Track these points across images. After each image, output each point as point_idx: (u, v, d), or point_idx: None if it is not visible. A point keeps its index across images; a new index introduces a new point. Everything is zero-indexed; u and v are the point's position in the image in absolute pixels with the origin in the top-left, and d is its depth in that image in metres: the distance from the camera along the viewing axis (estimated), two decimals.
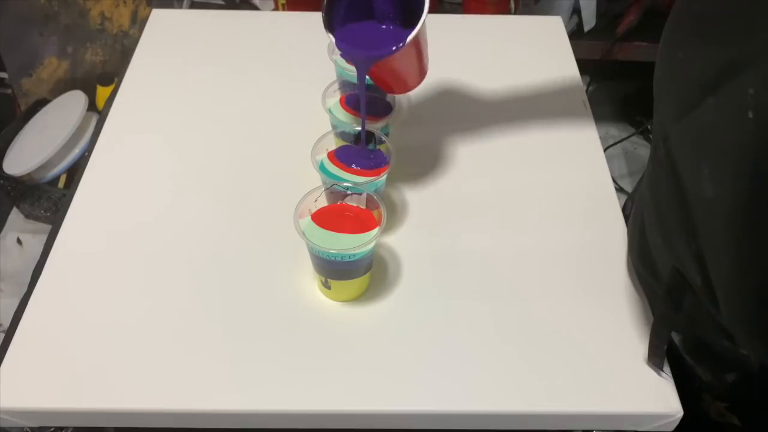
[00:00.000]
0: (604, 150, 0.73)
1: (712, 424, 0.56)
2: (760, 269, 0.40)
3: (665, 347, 0.52)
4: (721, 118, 0.40)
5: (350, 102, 0.66)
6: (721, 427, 0.56)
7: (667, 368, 0.54)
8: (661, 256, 0.53)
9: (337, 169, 0.60)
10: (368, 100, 0.66)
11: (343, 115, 0.65)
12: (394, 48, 0.54)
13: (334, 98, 0.67)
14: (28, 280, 0.61)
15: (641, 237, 0.57)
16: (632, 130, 1.66)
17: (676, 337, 0.55)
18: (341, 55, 0.63)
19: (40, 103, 1.49)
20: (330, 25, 0.56)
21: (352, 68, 0.68)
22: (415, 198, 0.67)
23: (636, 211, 0.61)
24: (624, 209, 0.68)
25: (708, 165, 0.41)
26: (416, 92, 0.78)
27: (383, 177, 0.60)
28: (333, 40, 0.56)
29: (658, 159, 0.50)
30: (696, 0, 0.43)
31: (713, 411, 0.55)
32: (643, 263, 0.58)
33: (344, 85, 0.68)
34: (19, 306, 0.59)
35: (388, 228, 0.64)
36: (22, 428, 0.54)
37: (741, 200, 0.39)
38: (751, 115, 0.36)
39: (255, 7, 1.50)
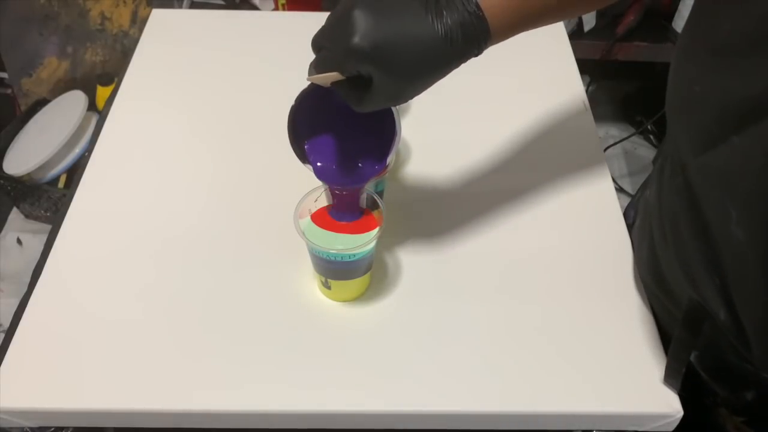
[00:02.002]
0: (604, 150, 0.73)
1: None
2: None
3: (683, 369, 0.51)
4: (749, 162, 0.38)
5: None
6: None
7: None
8: (675, 277, 0.52)
9: None
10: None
11: None
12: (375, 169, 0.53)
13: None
14: (28, 280, 0.61)
15: (650, 252, 0.56)
16: (632, 130, 1.66)
17: (692, 355, 0.53)
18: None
19: (40, 103, 1.49)
20: (302, 150, 0.54)
21: None
22: (415, 198, 0.67)
23: (643, 222, 0.59)
24: (626, 216, 0.67)
25: (736, 209, 0.40)
26: None
27: (383, 177, 0.60)
28: (311, 168, 0.54)
29: (676, 185, 0.48)
30: (711, 30, 0.42)
31: (730, 425, 0.54)
32: (654, 279, 0.57)
33: None
34: (19, 306, 0.58)
35: (388, 228, 0.64)
36: (22, 428, 0.54)
37: None
38: None
39: (255, 7, 1.50)
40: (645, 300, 0.59)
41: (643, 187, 0.66)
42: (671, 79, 0.47)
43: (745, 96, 0.38)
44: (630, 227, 0.65)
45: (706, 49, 0.42)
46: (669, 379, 0.53)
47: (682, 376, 0.52)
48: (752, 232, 0.39)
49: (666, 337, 0.55)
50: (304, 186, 0.57)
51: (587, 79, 1.56)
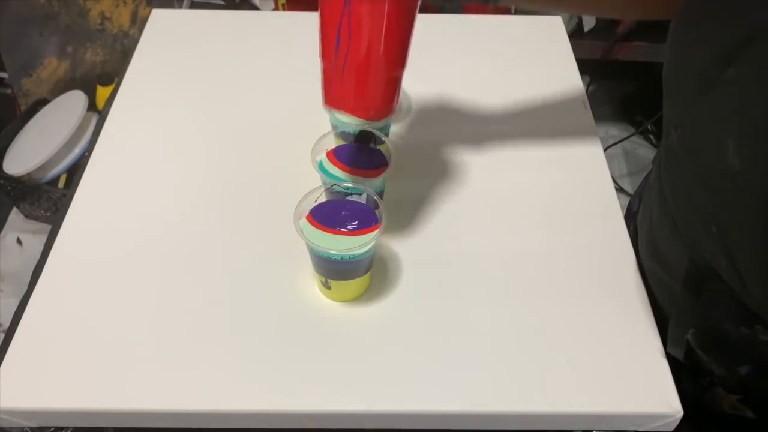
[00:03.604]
0: (604, 150, 0.73)
1: (725, 417, 0.56)
2: None
3: (685, 337, 0.52)
4: (742, 87, 0.40)
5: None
6: (734, 419, 0.56)
7: (666, 366, 0.55)
8: (673, 248, 0.53)
9: (337, 169, 0.60)
10: None
11: (343, 115, 0.65)
12: None
13: None
14: (28, 280, 0.61)
15: (650, 231, 0.57)
16: (632, 130, 1.66)
17: (689, 333, 0.54)
18: None
19: (40, 103, 1.49)
20: None
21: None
22: (415, 198, 0.67)
23: (645, 205, 0.61)
24: (630, 206, 0.67)
25: (733, 137, 0.41)
26: (416, 93, 0.78)
27: (383, 177, 0.60)
28: None
29: (670, 146, 0.49)
30: None
31: (726, 404, 0.55)
32: (654, 257, 0.58)
33: None
34: (19, 306, 0.59)
35: (388, 228, 0.64)
36: (22, 428, 0.54)
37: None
38: None
39: (255, 7, 1.50)
40: (645, 300, 0.59)
41: (647, 178, 0.67)
42: (669, 39, 0.49)
43: (737, 32, 0.40)
44: (635, 215, 0.66)
45: (701, 0, 0.44)
46: (672, 347, 0.54)
47: (685, 346, 0.52)
48: (748, 157, 0.40)
49: (665, 336, 0.56)
50: (304, 186, 0.57)
51: (587, 79, 1.56)
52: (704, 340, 0.52)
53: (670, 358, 0.55)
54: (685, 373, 0.54)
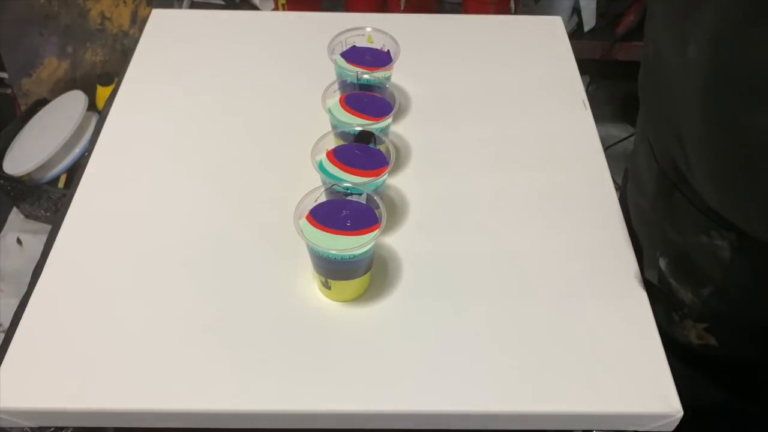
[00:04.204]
0: (604, 150, 0.73)
1: (692, 348, 0.61)
2: (725, 114, 0.46)
3: (657, 254, 0.59)
4: None
5: (350, 102, 0.66)
6: (700, 348, 0.60)
7: (665, 366, 0.55)
8: (647, 165, 0.60)
9: (337, 169, 0.60)
10: (369, 99, 0.66)
11: (343, 115, 0.65)
12: None
13: (334, 98, 0.67)
14: (28, 280, 0.61)
15: (634, 163, 0.64)
16: (632, 130, 1.66)
17: (662, 262, 0.59)
18: None
19: (40, 103, 1.49)
20: None
21: (352, 68, 0.68)
22: (415, 198, 0.67)
23: (633, 148, 0.68)
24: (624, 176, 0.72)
25: (695, 35, 0.46)
26: (417, 92, 0.78)
27: (383, 177, 0.60)
28: None
29: (647, 62, 0.56)
30: None
31: (693, 335, 0.60)
32: (635, 186, 0.63)
33: (344, 85, 0.68)
34: (19, 306, 0.59)
35: (388, 228, 0.64)
36: (22, 428, 0.54)
37: (714, 51, 0.44)
38: None
39: (255, 7, 1.50)
40: (645, 300, 0.59)
41: None
42: None
43: None
44: (626, 175, 0.72)
45: None
46: (647, 270, 0.58)
47: (659, 273, 0.58)
48: (701, 48, 0.46)
49: (664, 333, 0.57)
50: (304, 186, 0.57)
51: (587, 79, 1.56)
52: (674, 267, 0.58)
53: (647, 283, 0.60)
54: (659, 309, 0.58)
